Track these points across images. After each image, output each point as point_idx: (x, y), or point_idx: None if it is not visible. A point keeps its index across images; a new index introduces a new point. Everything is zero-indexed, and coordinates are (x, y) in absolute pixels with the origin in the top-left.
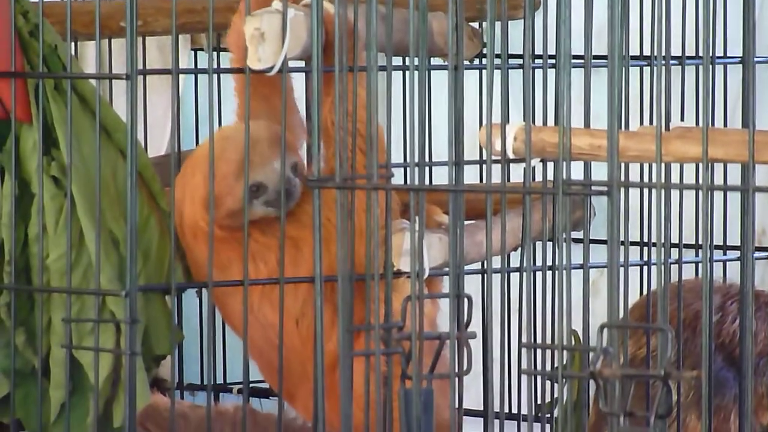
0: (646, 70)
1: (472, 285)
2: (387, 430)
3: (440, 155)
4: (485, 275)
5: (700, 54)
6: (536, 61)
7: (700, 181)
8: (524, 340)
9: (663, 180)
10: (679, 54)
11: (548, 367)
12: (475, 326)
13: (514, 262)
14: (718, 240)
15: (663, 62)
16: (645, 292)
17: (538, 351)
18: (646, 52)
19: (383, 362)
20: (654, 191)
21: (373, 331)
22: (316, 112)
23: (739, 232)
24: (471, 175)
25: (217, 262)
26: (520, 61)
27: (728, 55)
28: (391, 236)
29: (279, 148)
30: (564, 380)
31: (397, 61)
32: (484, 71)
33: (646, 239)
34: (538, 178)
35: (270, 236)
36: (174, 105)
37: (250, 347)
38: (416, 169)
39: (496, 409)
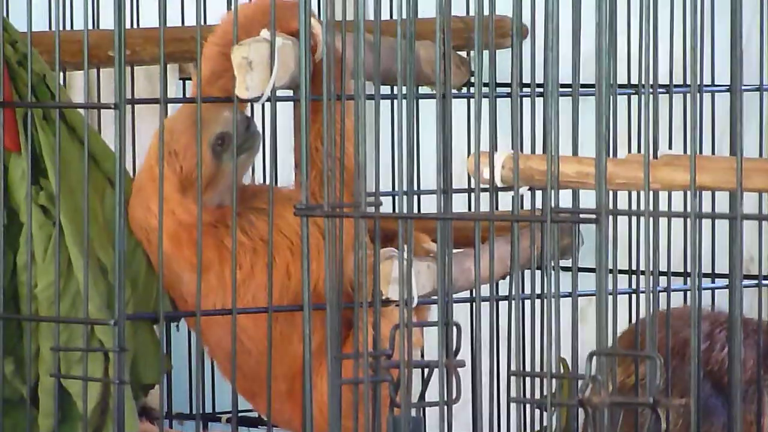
0: (634, 98)
1: (460, 313)
2: None
3: (428, 183)
4: (474, 303)
5: (688, 82)
6: (524, 89)
7: (689, 208)
8: (513, 368)
9: (651, 207)
10: (667, 82)
11: (537, 395)
12: (464, 354)
13: (503, 290)
14: (706, 268)
15: (651, 90)
16: (634, 319)
17: (527, 379)
18: (634, 80)
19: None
20: (642, 219)
21: (362, 359)
22: (304, 141)
23: (727, 259)
24: (459, 203)
25: (192, 263)
26: (508, 90)
27: (716, 83)
28: (380, 264)
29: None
30: (553, 408)
31: (385, 89)
32: (472, 99)
33: (634, 267)
34: (527, 205)
35: (246, 235)
36: (161, 134)
37: (216, 349)
38: (404, 197)
39: None
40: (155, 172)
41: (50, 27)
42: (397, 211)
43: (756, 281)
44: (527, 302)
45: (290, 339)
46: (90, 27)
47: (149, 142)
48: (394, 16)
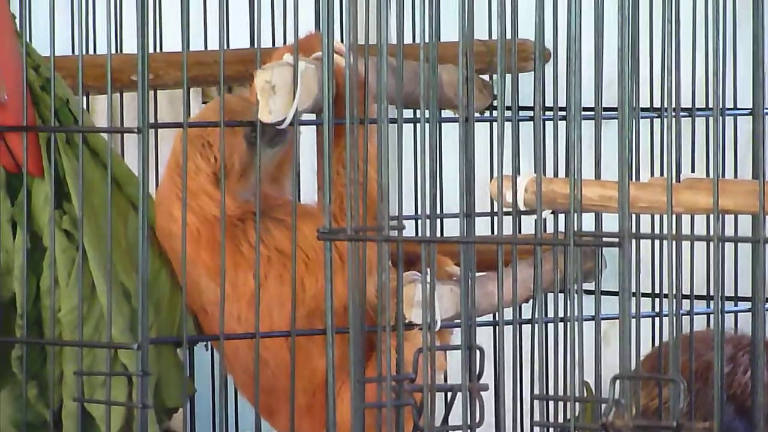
0: (657, 121)
1: (483, 336)
2: None
3: (451, 207)
4: (497, 326)
5: (710, 105)
6: (547, 112)
7: (711, 232)
8: (536, 391)
9: (674, 231)
10: (689, 105)
11: (560, 419)
12: (487, 378)
13: (526, 313)
14: (729, 291)
15: (673, 114)
16: (657, 343)
17: (551, 402)
18: (656, 103)
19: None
20: (665, 242)
21: (385, 383)
22: (327, 165)
23: (750, 282)
24: (482, 227)
25: (208, 266)
26: (531, 113)
27: (738, 106)
28: (403, 288)
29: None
30: None
31: (407, 113)
32: (494, 123)
33: (657, 290)
34: (549, 229)
35: (266, 245)
36: (184, 158)
37: (234, 361)
38: (427, 220)
39: None
40: (177, 180)
41: (73, 51)
42: (419, 234)
43: None
44: (550, 325)
45: (310, 353)
46: (113, 51)
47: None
48: (417, 40)
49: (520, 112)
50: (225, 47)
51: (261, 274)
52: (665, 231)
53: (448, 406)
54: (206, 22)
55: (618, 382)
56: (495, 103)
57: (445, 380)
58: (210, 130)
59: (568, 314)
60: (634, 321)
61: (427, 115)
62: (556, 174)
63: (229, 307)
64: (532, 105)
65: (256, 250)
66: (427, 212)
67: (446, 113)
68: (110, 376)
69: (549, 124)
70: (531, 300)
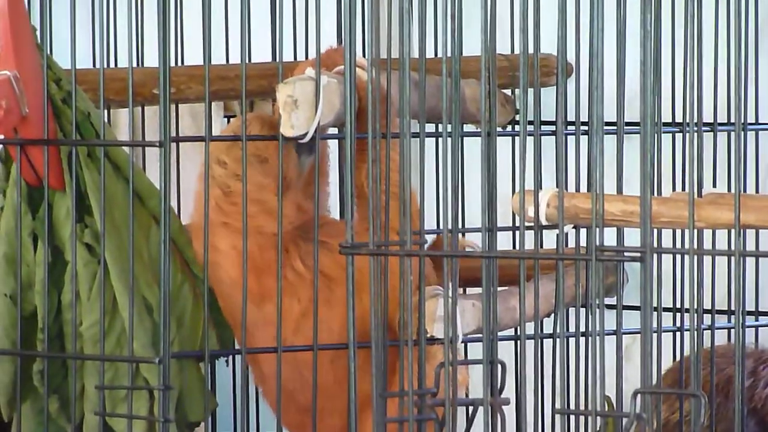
0: (679, 136)
1: (505, 351)
2: None
3: (473, 221)
4: (518, 341)
5: (732, 120)
6: (569, 127)
7: (732, 247)
8: (558, 406)
9: (696, 246)
10: (711, 120)
11: None
12: (509, 392)
13: (548, 328)
14: (750, 305)
15: (695, 129)
16: (678, 357)
17: (572, 417)
18: (678, 118)
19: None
20: (686, 257)
21: (407, 397)
22: (350, 179)
23: None
24: (504, 242)
25: (253, 292)
26: (553, 128)
27: (760, 121)
28: (425, 302)
29: None
30: None
31: (430, 127)
32: (517, 138)
33: (678, 305)
34: (571, 244)
35: (307, 267)
36: (206, 172)
37: (270, 379)
38: (450, 235)
39: None
40: (225, 208)
41: (94, 65)
42: (443, 248)
43: None
44: (572, 340)
45: (362, 377)
46: (135, 65)
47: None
48: (440, 54)
49: (542, 126)
50: (247, 61)
51: (306, 299)
52: (687, 246)
53: (470, 421)
54: (228, 36)
55: (639, 396)
56: (517, 117)
57: (467, 395)
58: (263, 146)
59: (590, 329)
60: (655, 335)
61: (449, 130)
62: (578, 189)
63: (274, 333)
64: (554, 120)
65: (314, 267)
66: (450, 227)
67: (469, 128)
68: (132, 391)
69: (571, 139)
70: (553, 315)
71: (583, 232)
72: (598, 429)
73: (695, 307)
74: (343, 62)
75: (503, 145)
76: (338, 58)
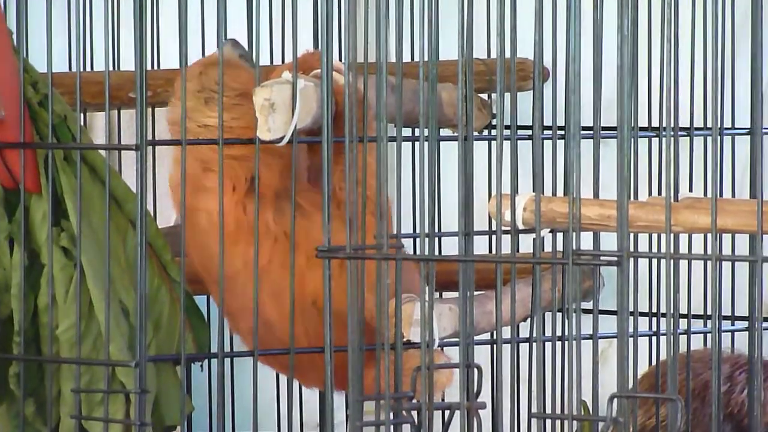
0: (655, 140)
1: (482, 355)
2: None
3: (450, 226)
4: (495, 345)
5: (709, 125)
6: (546, 132)
7: (709, 251)
8: (534, 410)
9: (672, 250)
10: (688, 125)
11: None
12: (485, 396)
13: (524, 332)
14: (726, 310)
15: (672, 133)
16: (654, 362)
17: (548, 421)
18: (655, 123)
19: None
20: (663, 261)
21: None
22: (327, 183)
23: (747, 301)
24: (481, 246)
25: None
26: (530, 132)
27: (736, 126)
28: (401, 306)
29: None
30: None
31: (407, 131)
32: (493, 142)
33: (655, 309)
34: (548, 248)
35: (277, 223)
36: (183, 175)
37: (240, 321)
38: (426, 239)
39: None
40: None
41: (71, 68)
42: (419, 253)
43: None
44: (548, 344)
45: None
46: (111, 68)
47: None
48: (416, 59)
49: (519, 131)
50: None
51: (265, 258)
52: (663, 250)
53: (446, 425)
54: (204, 40)
55: (616, 400)
56: (494, 122)
57: (443, 398)
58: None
59: (566, 333)
60: (632, 340)
61: (426, 134)
62: (554, 193)
63: (238, 282)
64: (531, 124)
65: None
66: (426, 231)
67: (445, 132)
68: (108, 394)
69: (548, 143)
70: (529, 319)
71: (560, 236)
72: None
73: (672, 311)
74: (319, 66)
75: (480, 149)
76: (315, 62)
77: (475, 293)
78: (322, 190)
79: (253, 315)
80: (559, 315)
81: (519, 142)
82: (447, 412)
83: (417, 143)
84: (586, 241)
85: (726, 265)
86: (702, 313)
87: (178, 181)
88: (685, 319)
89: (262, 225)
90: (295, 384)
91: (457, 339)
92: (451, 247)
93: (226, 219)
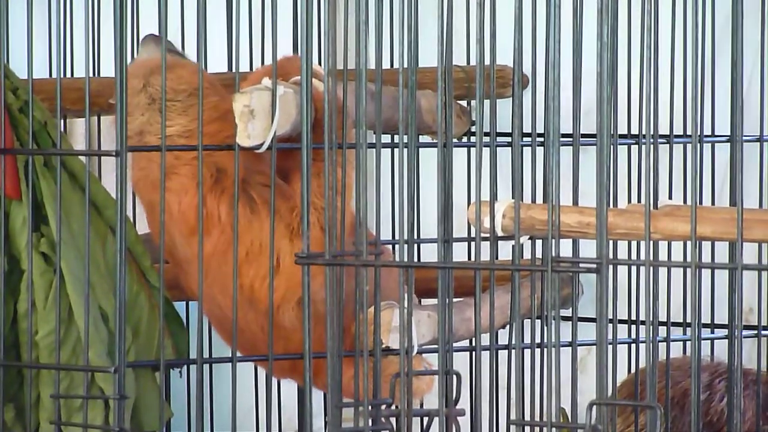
0: (635, 148)
1: (460, 362)
2: None
3: (429, 232)
4: (474, 352)
5: (688, 132)
6: (525, 138)
7: (689, 258)
8: (513, 416)
9: (651, 257)
10: (668, 132)
11: None
12: (464, 403)
13: (503, 339)
14: (706, 318)
15: (651, 140)
16: (633, 369)
17: (527, 428)
18: (635, 130)
19: None
20: (642, 269)
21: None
22: (305, 189)
23: (726, 309)
24: (460, 252)
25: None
26: (509, 139)
27: (716, 133)
28: (380, 313)
29: None
30: None
31: (386, 138)
32: (472, 149)
33: (634, 317)
34: (527, 255)
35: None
36: (162, 181)
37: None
38: (405, 246)
39: None
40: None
41: (51, 74)
42: (398, 259)
43: (755, 331)
44: (527, 351)
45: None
46: (91, 74)
47: None
48: (395, 65)
49: (498, 137)
50: (203, 71)
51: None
52: (643, 257)
53: (425, 431)
54: (184, 46)
55: (595, 408)
56: (473, 128)
57: (422, 405)
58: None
59: (545, 340)
60: (611, 347)
61: (405, 141)
62: (534, 200)
63: (196, 270)
64: (510, 131)
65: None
66: (405, 237)
67: (425, 138)
68: (87, 400)
69: (527, 150)
70: (508, 326)
71: (539, 243)
72: None
73: (651, 318)
74: (295, 72)
75: (459, 156)
76: (291, 68)
77: (454, 300)
78: (302, 198)
79: (233, 325)
80: (538, 322)
81: (498, 149)
82: (426, 419)
83: (396, 150)
84: (566, 248)
85: (705, 273)
86: (681, 320)
87: (139, 182)
88: (665, 327)
89: (214, 217)
90: (274, 389)
91: (435, 345)
92: (430, 253)
93: (188, 213)
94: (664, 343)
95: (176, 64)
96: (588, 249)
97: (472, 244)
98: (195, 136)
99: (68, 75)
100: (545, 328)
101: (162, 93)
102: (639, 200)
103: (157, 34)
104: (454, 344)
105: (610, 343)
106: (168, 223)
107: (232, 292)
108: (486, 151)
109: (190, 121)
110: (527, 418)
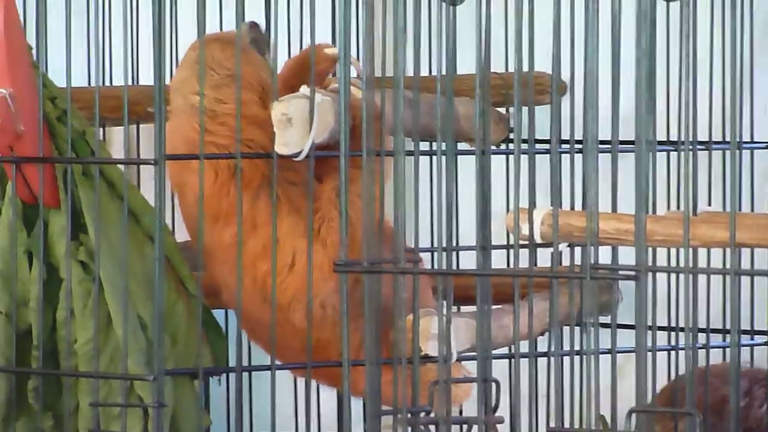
0: (673, 154)
1: (499, 369)
2: None
3: (467, 239)
4: (513, 359)
5: (727, 139)
6: (563, 145)
7: (728, 265)
8: (552, 424)
9: (690, 264)
10: (706, 139)
11: None
12: (503, 411)
13: (542, 346)
14: (745, 324)
15: (690, 147)
16: (672, 376)
17: None
18: (673, 136)
19: None
20: (681, 276)
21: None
22: (344, 197)
23: (766, 316)
24: (498, 260)
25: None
26: (547, 146)
27: (755, 139)
28: (419, 320)
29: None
30: None
31: (424, 145)
32: (510, 156)
33: (673, 324)
34: (565, 262)
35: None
36: (201, 189)
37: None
38: (443, 253)
39: None
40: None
41: (89, 83)
42: (436, 267)
43: None
44: (566, 359)
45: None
46: (129, 83)
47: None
48: (433, 73)
49: (536, 144)
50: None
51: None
52: (681, 264)
53: None
54: None
55: (634, 415)
56: (511, 135)
57: (461, 413)
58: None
59: (584, 348)
60: (650, 354)
61: (443, 148)
62: (572, 207)
63: (217, 257)
64: (548, 138)
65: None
66: (443, 245)
67: (462, 146)
68: (126, 408)
69: (565, 157)
70: (547, 333)
71: (577, 250)
72: None
73: (690, 326)
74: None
75: (497, 163)
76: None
77: (492, 307)
78: (340, 206)
79: (271, 332)
80: (577, 329)
81: (536, 155)
82: (465, 427)
83: (434, 157)
84: (604, 255)
85: (745, 280)
86: (721, 327)
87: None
88: (704, 334)
89: (236, 209)
90: (313, 397)
91: (474, 353)
92: (468, 261)
93: (209, 201)
94: (704, 350)
95: (243, 49)
96: (627, 256)
97: (510, 251)
98: (217, 114)
99: (106, 83)
100: (584, 335)
101: (200, 105)
102: (678, 207)
103: (256, 23)
104: (493, 351)
105: (649, 350)
106: (192, 206)
107: (248, 283)
108: (524, 158)
109: (215, 98)
110: (566, 425)
